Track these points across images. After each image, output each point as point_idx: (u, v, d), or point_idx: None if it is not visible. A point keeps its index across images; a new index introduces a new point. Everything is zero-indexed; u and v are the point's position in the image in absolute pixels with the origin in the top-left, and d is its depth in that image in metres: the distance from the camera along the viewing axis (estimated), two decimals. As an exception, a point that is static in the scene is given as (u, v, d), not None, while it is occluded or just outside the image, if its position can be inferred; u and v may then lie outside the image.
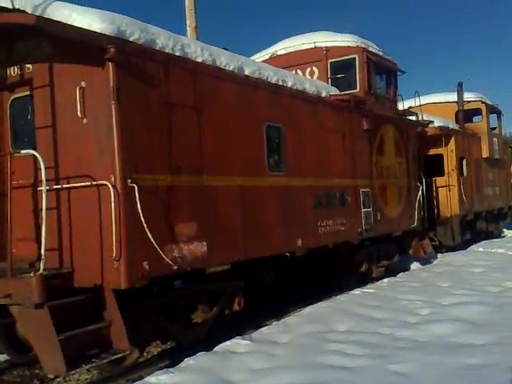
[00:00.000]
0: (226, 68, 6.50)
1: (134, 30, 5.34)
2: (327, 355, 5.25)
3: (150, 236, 5.07)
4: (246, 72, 6.83)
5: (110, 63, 4.96)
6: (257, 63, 7.70)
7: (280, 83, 7.47)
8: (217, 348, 5.70)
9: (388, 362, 4.88)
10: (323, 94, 8.55)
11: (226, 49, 7.09)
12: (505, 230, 18.04)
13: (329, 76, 9.57)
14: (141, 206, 5.00)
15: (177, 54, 5.79)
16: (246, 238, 6.54)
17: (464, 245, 14.04)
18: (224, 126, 6.34)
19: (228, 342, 5.84)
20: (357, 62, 9.43)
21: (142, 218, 5.02)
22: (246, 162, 6.68)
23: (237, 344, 5.79)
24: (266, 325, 6.99)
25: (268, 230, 6.97)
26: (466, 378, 4.38)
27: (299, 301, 8.24)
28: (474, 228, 15.14)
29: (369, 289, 8.87)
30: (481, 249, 13.63)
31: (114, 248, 4.88)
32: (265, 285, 7.81)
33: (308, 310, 7.43)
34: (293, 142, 7.60)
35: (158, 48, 5.57)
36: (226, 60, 6.55)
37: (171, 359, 6.00)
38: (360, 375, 4.59)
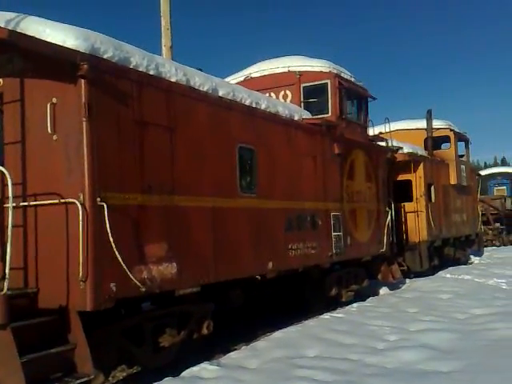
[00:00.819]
0: (201, 88, 6.51)
1: (108, 48, 5.31)
2: (296, 381, 5.18)
3: (118, 256, 4.96)
4: (220, 93, 6.84)
5: (83, 80, 4.90)
6: (231, 85, 7.74)
7: (254, 105, 7.51)
8: (184, 373, 5.59)
9: (356, 389, 4.85)
10: (296, 118, 8.63)
11: (200, 69, 7.10)
12: (472, 256, 18.31)
13: (301, 100, 9.68)
14: (110, 225, 4.90)
15: (151, 72, 5.77)
16: (216, 260, 6.47)
17: (432, 270, 14.20)
18: (197, 147, 6.32)
19: (195, 367, 5.73)
20: (329, 87, 9.57)
21: (110, 238, 4.91)
22: (218, 182, 6.65)
23: (204, 369, 5.69)
24: (235, 349, 6.89)
25: (239, 252, 6.92)
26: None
27: (269, 325, 8.15)
28: (442, 254, 15.33)
29: (338, 313, 8.85)
30: (448, 275, 13.79)
31: (80, 268, 4.75)
32: (235, 308, 7.72)
33: (277, 334, 7.36)
34: (265, 164, 7.61)
35: (131, 66, 5.54)
36: (201, 80, 6.55)
37: (137, 384, 5.84)
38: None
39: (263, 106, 7.74)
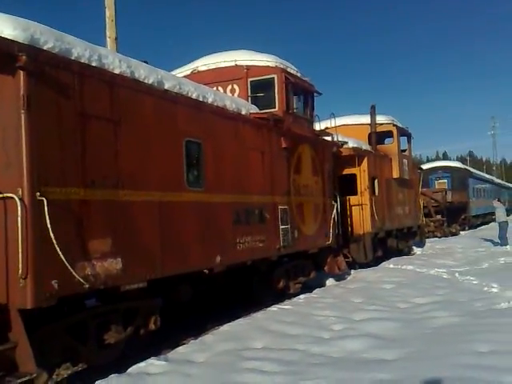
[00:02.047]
0: (146, 81, 6.41)
1: (49, 39, 5.14)
2: (243, 373, 5.22)
3: (59, 253, 4.83)
4: (166, 86, 6.76)
5: (22, 71, 4.74)
6: (177, 78, 7.66)
7: (200, 99, 7.47)
8: (130, 370, 5.52)
9: (301, 379, 4.94)
10: (243, 112, 8.65)
11: (146, 62, 6.98)
12: (414, 247, 18.95)
13: (249, 94, 9.70)
14: (50, 220, 4.77)
15: (93, 64, 5.63)
16: (163, 255, 6.41)
17: (376, 261, 14.59)
18: (142, 140, 6.22)
19: (142, 363, 5.68)
20: (276, 82, 9.63)
21: (51, 234, 4.77)
22: (165, 177, 6.58)
23: (151, 365, 5.64)
24: (183, 344, 6.85)
25: (187, 246, 6.88)
26: (376, 392, 4.51)
27: (217, 318, 8.16)
28: (386, 245, 15.76)
29: (286, 305, 8.98)
30: (391, 265, 14.23)
31: (20, 265, 4.61)
32: (183, 302, 7.68)
33: (225, 327, 7.40)
34: (213, 158, 7.60)
35: (73, 58, 5.39)
36: (146, 73, 6.45)
37: (82, 382, 5.71)
38: (275, 392, 4.60)
39: (210, 100, 7.71)
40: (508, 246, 18.24)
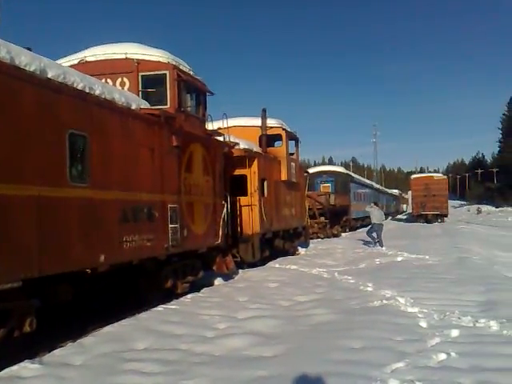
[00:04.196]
0: (27, 68, 6.01)
1: None
2: (123, 375, 5.11)
3: None
4: (50, 75, 6.40)
5: None
6: (62, 67, 7.26)
7: (87, 90, 7.16)
8: (1, 373, 5.18)
9: (183, 378, 4.93)
10: (133, 107, 8.42)
11: (29, 49, 6.55)
12: (299, 248, 19.65)
13: (140, 89, 9.47)
14: None
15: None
16: (41, 253, 6.05)
17: (263, 261, 14.93)
18: (19, 130, 5.82)
19: (15, 367, 5.38)
20: (167, 78, 9.48)
21: None
22: (45, 170, 6.21)
23: (25, 368, 5.36)
24: (61, 346, 6.53)
25: (68, 244, 6.56)
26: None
27: (100, 319, 7.87)
28: (273, 245, 16.19)
29: (172, 305, 8.91)
30: (277, 265, 14.66)
31: None
32: (63, 303, 7.30)
33: (107, 328, 7.17)
34: (99, 153, 7.31)
35: None
36: (27, 60, 6.06)
37: None
38: (155, 393, 4.54)
39: (97, 92, 7.41)
40: (372, 247, 19.68)
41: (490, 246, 19.73)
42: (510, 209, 76.73)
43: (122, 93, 8.58)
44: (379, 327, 6.72)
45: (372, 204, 22.52)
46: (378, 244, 20.11)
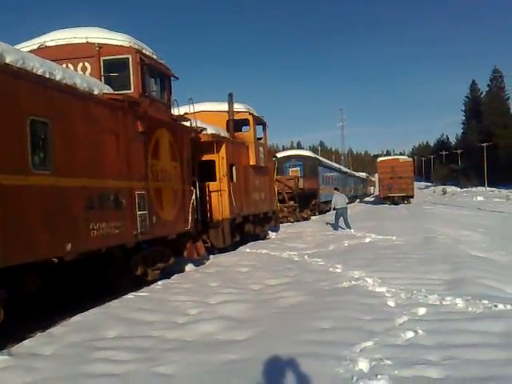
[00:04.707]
0: (-17, 54, 5.80)
1: None
2: (94, 364, 5.06)
3: None
4: (7, 60, 6.19)
5: None
6: (21, 52, 7.03)
7: (47, 76, 6.95)
8: (-32, 366, 5.04)
9: (155, 365, 4.91)
10: (96, 92, 8.22)
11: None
12: (270, 232, 19.76)
13: (102, 74, 9.25)
14: None
15: None
16: (5, 243, 5.91)
17: (234, 246, 14.95)
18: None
19: (-18, 359, 5.21)
20: (130, 63, 9.28)
21: None
22: (5, 158, 6.03)
23: (-8, 360, 5.20)
24: (30, 337, 6.42)
25: (32, 233, 6.42)
26: (225, 373, 4.65)
27: (69, 309, 7.76)
28: (243, 230, 16.22)
29: (143, 292, 8.85)
30: (248, 250, 14.69)
31: None
32: (31, 294, 7.16)
33: (77, 318, 7.08)
34: (62, 139, 7.14)
35: None
36: (-17, 45, 5.83)
37: None
38: (125, 381, 4.51)
39: (58, 77, 7.21)
40: (340, 230, 19.95)
41: (455, 226, 20.23)
42: (474, 189, 78.89)
43: (84, 78, 8.37)
44: (348, 307, 6.82)
45: (334, 190, 22.83)
46: (345, 227, 20.37)
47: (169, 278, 10.28)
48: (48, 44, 9.41)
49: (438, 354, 4.92)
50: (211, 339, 5.79)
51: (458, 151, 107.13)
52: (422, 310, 6.66)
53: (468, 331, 5.62)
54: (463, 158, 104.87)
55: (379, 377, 4.44)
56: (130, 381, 4.53)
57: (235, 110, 15.57)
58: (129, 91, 9.22)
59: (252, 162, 16.68)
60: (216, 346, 5.47)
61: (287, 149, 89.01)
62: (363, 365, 4.75)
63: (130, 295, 8.55)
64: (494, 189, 75.09)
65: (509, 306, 6.44)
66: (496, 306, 6.55)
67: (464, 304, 6.84)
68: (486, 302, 6.76)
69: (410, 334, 5.63)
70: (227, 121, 15.54)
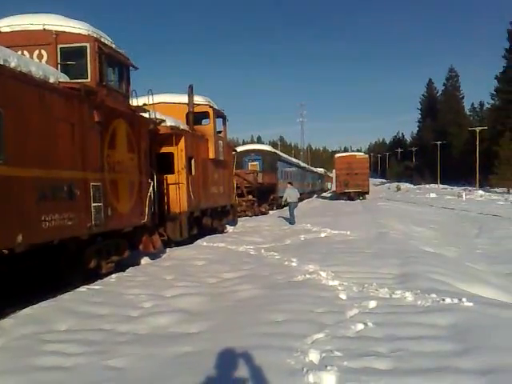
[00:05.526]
0: None
1: None
2: (44, 357, 4.98)
3: None
4: (-43, 45, 5.98)
5: None
6: (-27, 37, 6.81)
7: (1, 62, 6.75)
8: None
9: (106, 358, 4.88)
10: (51, 80, 8.03)
11: None
12: (227, 226, 19.78)
13: (58, 62, 9.03)
14: None
15: None
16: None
17: (191, 239, 14.90)
18: None
19: None
20: (88, 51, 9.10)
21: None
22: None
23: None
24: (-22, 330, 6.24)
25: (-19, 224, 6.23)
26: (178, 366, 4.66)
27: (19, 302, 7.58)
28: (201, 224, 16.17)
29: (96, 285, 8.73)
30: (205, 243, 14.68)
31: None
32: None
33: (27, 310, 6.93)
34: (15, 128, 6.95)
35: None
36: None
37: None
38: (75, 374, 4.47)
39: (13, 64, 7.01)
40: (296, 224, 20.19)
41: (408, 222, 20.80)
42: (427, 186, 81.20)
43: (40, 65, 8.15)
44: (302, 300, 6.94)
45: (287, 184, 23.11)
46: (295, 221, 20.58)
47: (123, 271, 10.17)
48: (3, 30, 9.10)
49: (387, 346, 5.07)
50: (164, 332, 5.79)
51: (413, 149, 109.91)
52: (372, 303, 6.84)
53: (416, 324, 5.81)
54: (418, 155, 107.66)
55: (329, 368, 4.55)
56: (80, 374, 4.49)
57: (195, 102, 15.47)
58: (86, 80, 9.04)
59: (211, 155, 16.62)
60: (169, 339, 5.47)
61: (247, 143, 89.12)
62: (314, 356, 4.86)
63: (83, 288, 8.42)
64: (446, 186, 77.59)
65: (456, 300, 6.69)
66: (444, 299, 6.78)
67: (413, 297, 7.05)
68: (434, 295, 6.99)
69: (360, 327, 5.79)
70: (187, 113, 15.42)
